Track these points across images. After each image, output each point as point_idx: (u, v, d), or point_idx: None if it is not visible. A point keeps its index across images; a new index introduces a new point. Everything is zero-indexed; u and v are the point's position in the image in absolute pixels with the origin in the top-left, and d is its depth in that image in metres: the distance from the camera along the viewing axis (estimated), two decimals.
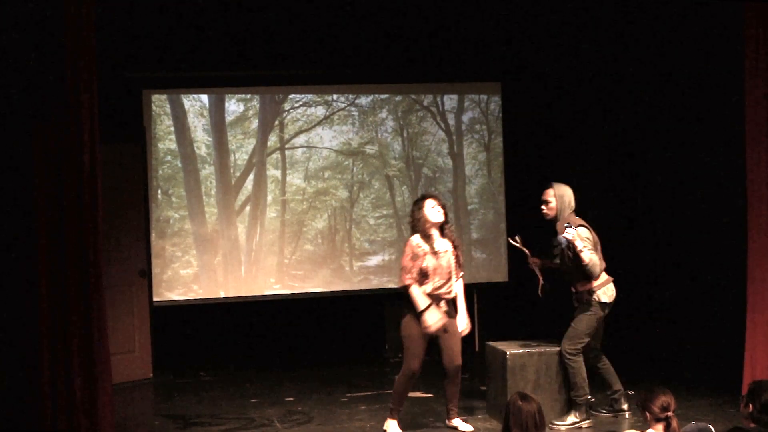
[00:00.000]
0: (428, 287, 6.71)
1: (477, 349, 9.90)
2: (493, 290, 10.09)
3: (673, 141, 9.39)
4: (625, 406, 7.17)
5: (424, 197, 6.91)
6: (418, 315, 6.66)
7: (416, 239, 6.77)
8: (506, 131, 10.08)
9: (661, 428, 4.94)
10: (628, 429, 6.66)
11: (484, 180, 10.10)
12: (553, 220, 7.05)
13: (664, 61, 9.34)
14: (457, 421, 7.02)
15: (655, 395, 4.96)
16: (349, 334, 9.84)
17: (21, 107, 5.97)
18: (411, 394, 7.48)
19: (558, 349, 7.06)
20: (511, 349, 7.07)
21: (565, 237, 6.73)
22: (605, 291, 6.95)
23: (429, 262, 6.69)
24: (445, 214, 6.85)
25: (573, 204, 7.05)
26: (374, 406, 7.70)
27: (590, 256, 6.80)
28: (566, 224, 6.79)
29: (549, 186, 7.10)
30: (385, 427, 6.94)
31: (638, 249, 9.83)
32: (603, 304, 6.94)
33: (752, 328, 7.03)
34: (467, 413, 7.43)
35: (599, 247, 7.00)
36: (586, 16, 9.47)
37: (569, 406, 7.00)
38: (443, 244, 6.81)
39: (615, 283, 7.02)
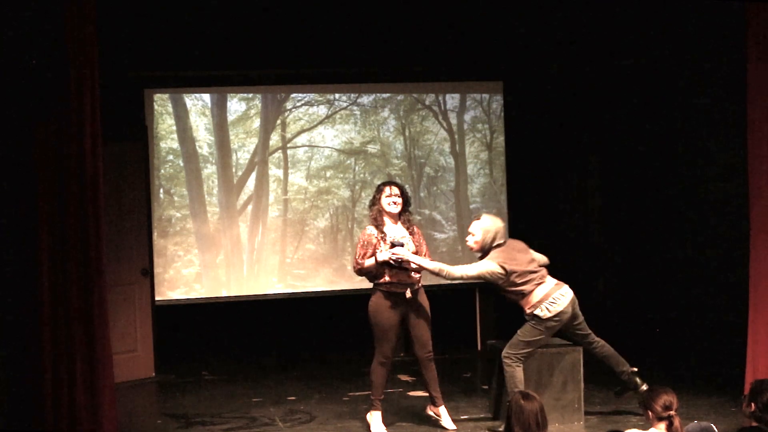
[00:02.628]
0: (387, 277, 6.77)
1: (479, 348, 9.91)
2: (495, 290, 10.06)
3: (676, 139, 9.38)
4: (638, 382, 6.99)
5: (384, 184, 6.95)
6: (388, 298, 6.78)
7: (370, 229, 6.87)
8: (508, 130, 10.07)
9: (663, 427, 4.94)
10: (630, 428, 6.64)
11: (486, 179, 10.10)
12: (479, 252, 6.92)
13: (666, 60, 9.34)
14: (442, 410, 7.01)
15: (658, 394, 4.97)
16: (350, 334, 9.82)
17: (23, 106, 5.97)
18: (412, 393, 7.48)
19: (559, 348, 7.06)
20: None
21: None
22: (545, 306, 6.75)
23: (382, 249, 6.74)
24: (405, 202, 6.89)
25: (498, 239, 6.82)
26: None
27: (430, 265, 6.68)
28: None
29: (476, 218, 6.99)
30: (368, 419, 6.95)
31: (640, 247, 9.83)
32: (544, 320, 6.76)
33: (754, 327, 7.02)
34: (469, 412, 7.44)
35: (519, 273, 6.76)
36: (588, 15, 9.47)
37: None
38: (397, 231, 6.85)
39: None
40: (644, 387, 6.94)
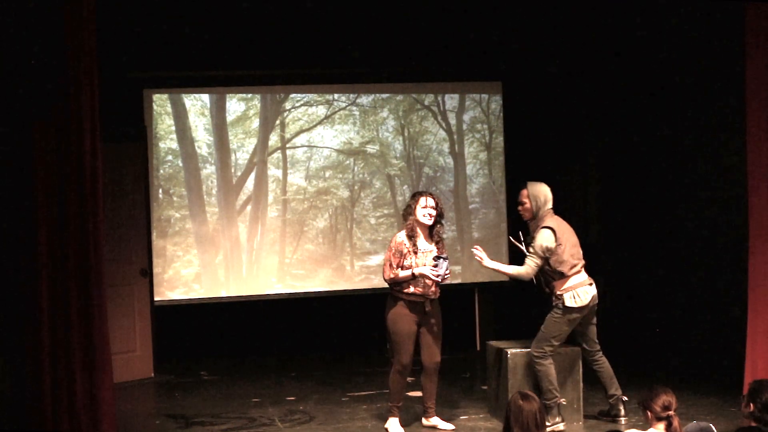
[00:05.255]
0: (412, 288, 6.75)
1: (478, 348, 9.91)
2: (494, 290, 10.09)
3: (675, 139, 9.38)
4: (621, 412, 7.08)
5: (420, 194, 6.88)
6: (408, 307, 6.75)
7: (401, 236, 6.81)
8: (507, 130, 10.07)
9: (662, 427, 4.94)
10: (629, 428, 6.64)
11: (485, 179, 10.10)
12: (531, 220, 7.03)
13: (665, 60, 9.34)
14: (435, 420, 7.03)
15: (657, 394, 4.96)
16: (350, 334, 9.84)
17: (22, 107, 5.97)
18: (412, 394, 7.48)
19: (557, 349, 7.04)
20: (512, 349, 7.06)
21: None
22: (574, 295, 6.83)
23: (411, 261, 6.73)
24: (438, 215, 6.82)
25: (549, 202, 6.97)
26: (375, 405, 7.69)
27: (497, 267, 6.99)
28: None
29: (524, 186, 7.07)
30: (386, 426, 6.95)
31: (639, 248, 9.82)
32: (568, 309, 6.81)
33: (753, 328, 7.02)
34: (468, 412, 7.44)
35: (567, 248, 6.85)
36: (587, 15, 9.47)
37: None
38: (426, 244, 6.83)
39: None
40: (623, 419, 7.03)
